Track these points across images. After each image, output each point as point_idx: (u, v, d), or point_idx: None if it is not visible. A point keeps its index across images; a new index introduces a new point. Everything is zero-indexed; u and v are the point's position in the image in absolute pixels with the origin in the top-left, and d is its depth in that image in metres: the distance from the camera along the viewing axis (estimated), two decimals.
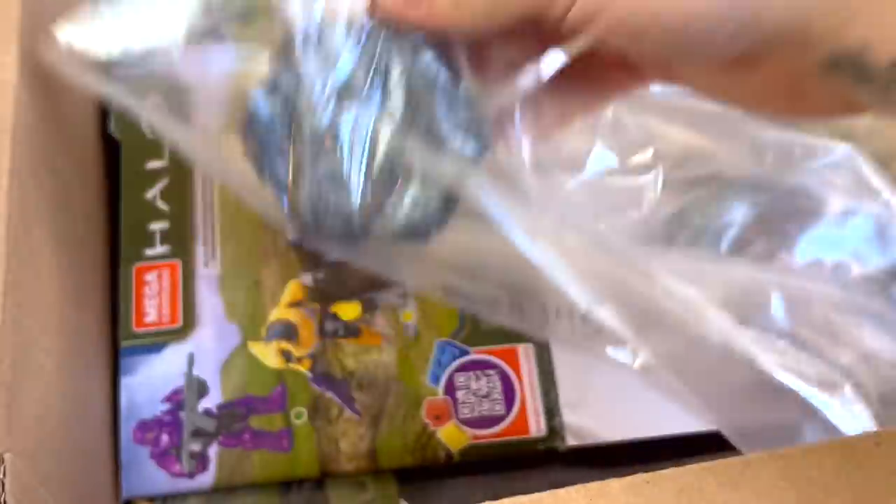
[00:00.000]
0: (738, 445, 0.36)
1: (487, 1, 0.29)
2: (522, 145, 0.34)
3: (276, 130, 0.32)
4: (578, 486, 0.27)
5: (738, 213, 0.48)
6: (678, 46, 0.27)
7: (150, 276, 0.46)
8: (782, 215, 0.47)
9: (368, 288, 0.47)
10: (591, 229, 0.40)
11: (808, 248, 0.46)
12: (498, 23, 0.29)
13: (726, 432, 0.36)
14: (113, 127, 0.49)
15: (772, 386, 0.38)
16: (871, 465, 0.27)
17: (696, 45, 0.27)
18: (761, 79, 0.29)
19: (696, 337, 0.37)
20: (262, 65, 0.35)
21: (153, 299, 0.46)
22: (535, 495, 0.27)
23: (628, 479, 0.27)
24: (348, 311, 0.46)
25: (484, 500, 0.26)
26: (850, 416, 0.39)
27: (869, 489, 0.27)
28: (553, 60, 0.31)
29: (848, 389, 0.40)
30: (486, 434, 0.44)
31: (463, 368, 0.45)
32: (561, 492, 0.27)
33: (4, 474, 0.30)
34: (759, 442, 0.35)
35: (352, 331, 0.46)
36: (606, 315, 0.36)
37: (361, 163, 0.30)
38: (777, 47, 0.27)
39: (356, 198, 0.31)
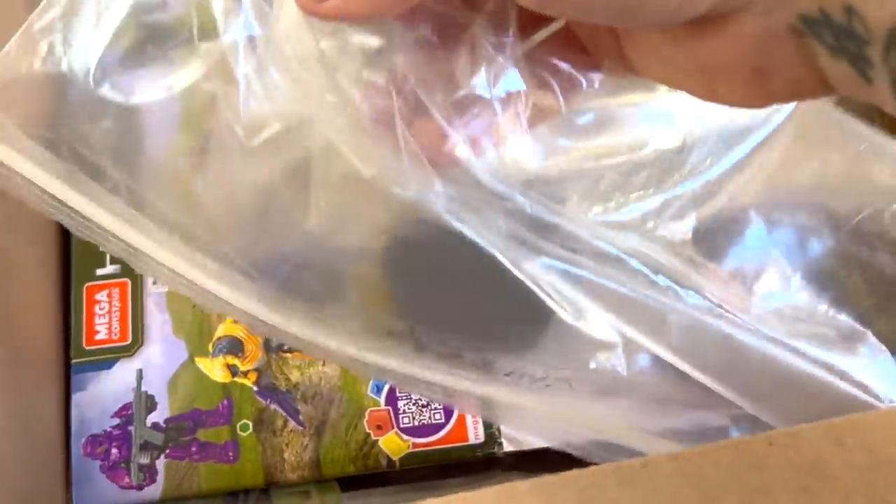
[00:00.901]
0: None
1: None
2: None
3: None
4: (486, 489, 0.29)
5: None
6: (626, 10, 0.25)
7: (101, 295, 0.48)
8: None
9: None
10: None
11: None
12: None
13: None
14: None
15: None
16: (763, 464, 0.29)
17: (645, 7, 0.24)
18: (721, 51, 0.26)
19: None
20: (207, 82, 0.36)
21: (104, 317, 0.47)
22: (447, 497, 0.28)
23: (535, 480, 0.29)
24: None
25: None
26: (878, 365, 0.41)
27: (761, 486, 0.28)
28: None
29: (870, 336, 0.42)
30: (426, 442, 0.45)
31: None
32: (470, 494, 0.29)
33: None
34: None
35: None
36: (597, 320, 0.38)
37: None
38: (740, 4, 0.24)
39: None
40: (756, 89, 0.27)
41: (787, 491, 0.28)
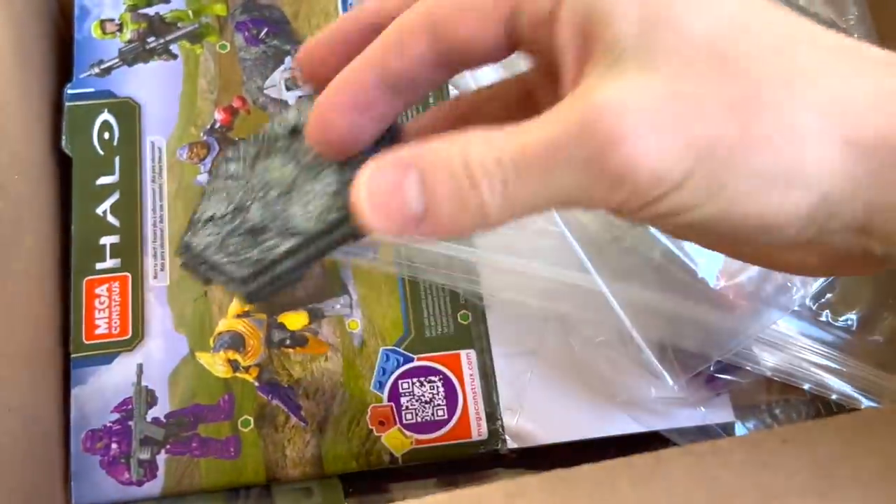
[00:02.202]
0: None
1: (503, 210, 0.23)
2: None
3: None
4: (497, 483, 0.28)
5: None
6: (746, 244, 0.25)
7: (101, 290, 0.47)
8: None
9: (315, 298, 0.48)
10: None
11: None
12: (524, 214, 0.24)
13: None
14: (65, 143, 0.50)
15: None
16: (776, 463, 0.29)
17: (762, 240, 0.24)
18: (802, 256, 0.26)
19: None
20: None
21: (103, 312, 0.47)
22: (455, 492, 0.28)
23: (545, 475, 0.29)
24: (295, 320, 0.47)
25: None
26: None
27: (774, 487, 0.28)
28: None
29: None
30: (429, 438, 0.45)
31: (407, 375, 0.46)
32: (480, 489, 0.28)
33: None
34: None
35: (298, 340, 0.47)
36: None
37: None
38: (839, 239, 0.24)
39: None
40: (820, 272, 0.27)
41: (802, 495, 0.27)
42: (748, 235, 0.23)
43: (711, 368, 0.45)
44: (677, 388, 0.44)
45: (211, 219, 0.30)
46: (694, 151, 0.21)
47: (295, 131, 0.30)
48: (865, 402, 0.46)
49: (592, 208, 0.23)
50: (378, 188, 0.24)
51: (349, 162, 0.28)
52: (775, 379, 0.45)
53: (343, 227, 0.28)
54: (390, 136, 0.29)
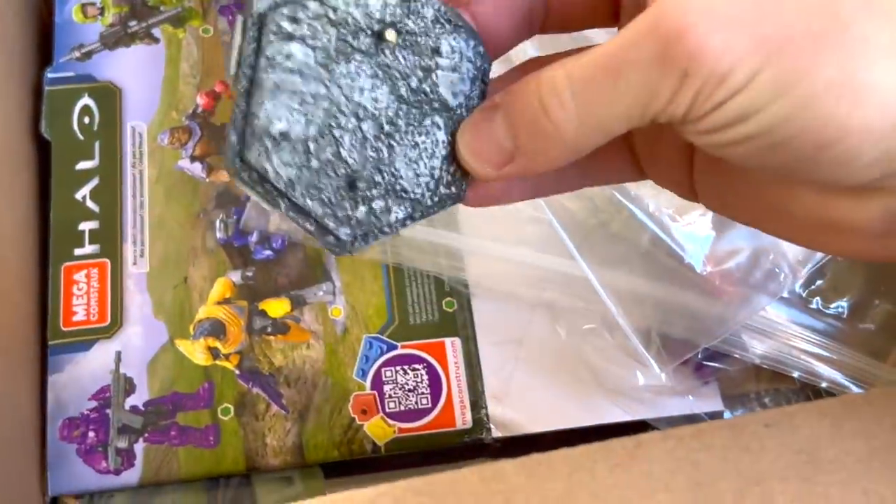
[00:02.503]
0: None
1: (579, 130, 0.23)
2: None
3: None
4: (473, 468, 0.28)
5: None
6: (811, 164, 0.22)
7: (79, 276, 0.46)
8: None
9: (298, 285, 0.47)
10: None
11: None
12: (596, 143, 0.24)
13: None
14: (44, 128, 0.49)
15: None
16: (758, 446, 0.28)
17: (831, 166, 0.22)
18: (859, 214, 0.24)
19: None
20: None
21: (82, 298, 0.46)
22: (430, 476, 0.27)
23: (522, 459, 0.28)
24: (277, 308, 0.46)
25: None
26: None
27: (755, 470, 0.27)
28: None
29: None
30: (412, 427, 0.44)
31: (390, 363, 0.46)
32: (456, 473, 0.28)
33: None
34: None
35: (280, 328, 0.46)
36: None
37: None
38: None
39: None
40: (877, 251, 0.25)
41: (784, 479, 0.27)
42: (814, 156, 0.22)
43: (699, 356, 0.44)
44: (665, 377, 0.43)
45: (286, 137, 0.23)
46: (763, 50, 0.21)
47: (382, 34, 0.24)
48: (856, 391, 0.45)
49: (664, 118, 0.22)
50: (473, 135, 0.25)
51: (453, 108, 0.26)
52: (764, 367, 0.45)
53: (452, 196, 0.26)
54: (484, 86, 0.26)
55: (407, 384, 0.45)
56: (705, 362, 0.45)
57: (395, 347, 0.46)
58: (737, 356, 0.44)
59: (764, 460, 0.28)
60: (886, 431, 0.28)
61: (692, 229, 0.42)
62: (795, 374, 0.44)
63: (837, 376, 0.45)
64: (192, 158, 0.49)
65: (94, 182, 0.48)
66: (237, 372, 0.45)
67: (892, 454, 0.28)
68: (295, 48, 0.23)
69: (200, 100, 0.51)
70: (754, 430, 0.28)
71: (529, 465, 0.28)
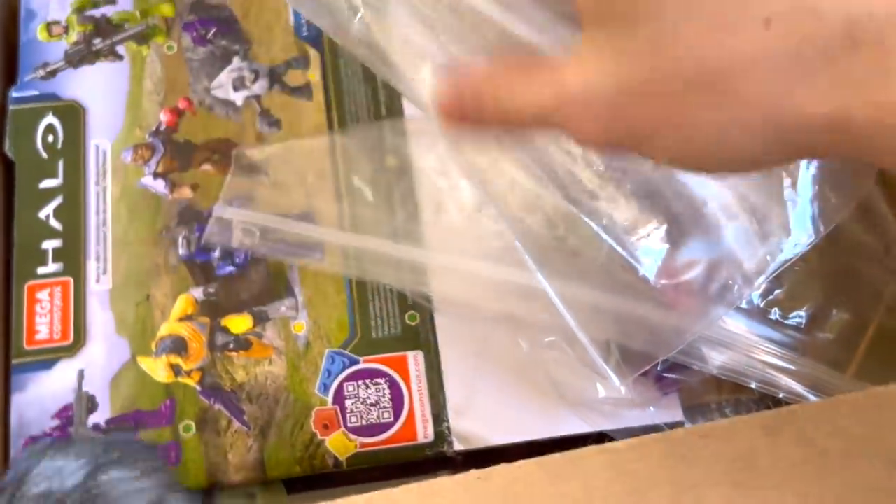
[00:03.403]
0: None
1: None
2: None
3: None
4: (412, 485, 0.28)
5: None
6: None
7: (42, 294, 0.47)
8: None
9: (260, 300, 0.47)
10: None
11: None
12: None
13: None
14: (8, 147, 0.49)
15: None
16: (693, 456, 0.28)
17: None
18: None
19: None
20: None
21: (45, 317, 0.46)
22: (368, 495, 0.28)
23: (461, 475, 0.28)
24: (239, 324, 0.47)
25: None
26: None
27: (689, 478, 0.28)
28: None
29: None
30: (374, 441, 0.44)
31: (352, 377, 0.46)
32: (395, 490, 0.28)
33: None
34: None
35: (242, 344, 0.46)
36: None
37: None
38: None
39: None
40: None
41: (717, 485, 0.27)
42: None
43: (659, 368, 0.44)
44: (624, 389, 0.43)
45: None
46: None
47: None
48: (815, 401, 0.45)
49: None
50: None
51: None
52: (724, 378, 0.45)
53: None
54: None
55: (369, 398, 0.45)
56: (665, 374, 0.45)
57: (357, 362, 0.46)
58: (696, 367, 0.44)
59: (699, 468, 0.28)
60: (823, 437, 0.28)
61: (647, 242, 0.42)
62: (753, 385, 0.44)
63: (796, 386, 0.45)
64: (156, 175, 0.49)
65: (58, 200, 0.49)
66: (199, 388, 0.45)
67: (829, 459, 0.28)
68: None
69: (164, 116, 0.51)
70: (691, 441, 0.29)
71: (468, 481, 0.28)
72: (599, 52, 0.26)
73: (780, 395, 0.45)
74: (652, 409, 0.45)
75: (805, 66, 0.23)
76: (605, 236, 0.43)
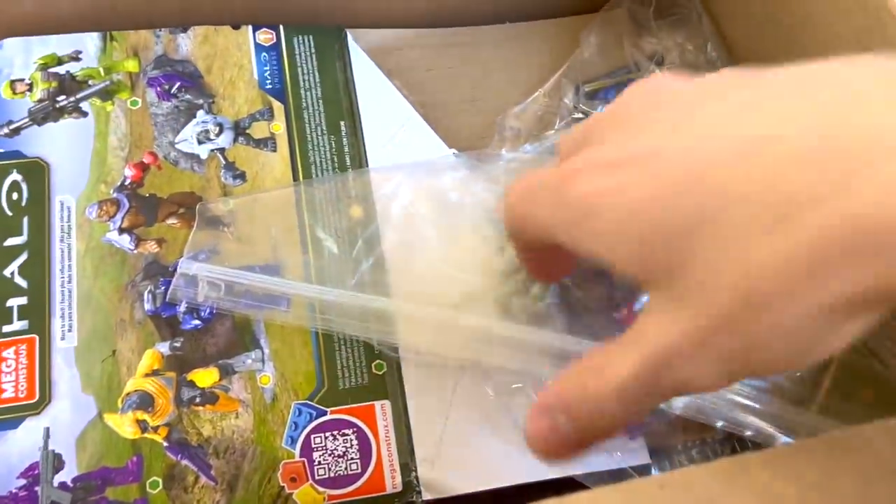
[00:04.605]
0: None
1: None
2: None
3: None
4: None
5: None
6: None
7: (8, 353, 0.47)
8: None
9: (226, 353, 0.47)
10: None
11: None
12: None
13: None
14: None
15: None
16: None
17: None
18: None
19: None
20: None
21: (10, 375, 0.46)
22: None
23: None
24: (205, 378, 0.47)
25: None
26: None
27: None
28: None
29: None
30: (342, 493, 0.44)
31: (320, 429, 0.46)
32: None
33: None
34: None
35: (209, 398, 0.46)
36: None
37: None
38: None
39: None
40: None
41: None
42: None
43: None
44: None
45: None
46: None
47: None
48: (782, 439, 0.45)
49: None
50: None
51: None
52: (689, 418, 0.45)
53: None
54: None
55: (336, 450, 0.45)
56: None
57: (324, 413, 0.46)
58: (661, 408, 0.45)
59: None
60: (779, 483, 0.29)
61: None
62: (719, 424, 0.45)
63: (762, 424, 0.45)
64: (121, 230, 0.50)
65: (23, 258, 0.49)
66: (166, 444, 0.45)
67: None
68: None
69: (129, 171, 0.51)
70: (650, 491, 0.29)
71: None
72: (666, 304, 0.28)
73: (746, 434, 0.45)
74: (618, 453, 0.46)
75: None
76: (567, 281, 0.44)
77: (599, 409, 0.30)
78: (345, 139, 0.53)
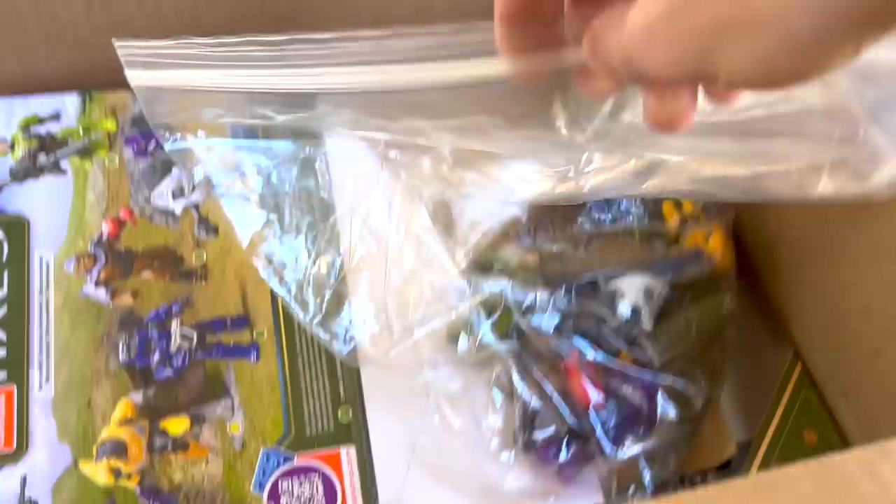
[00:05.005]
0: None
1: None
2: None
3: None
4: None
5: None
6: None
7: None
8: None
9: (197, 402, 0.49)
10: None
11: None
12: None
13: None
14: None
15: None
16: None
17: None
18: None
19: None
20: None
21: None
22: None
23: None
24: (177, 426, 0.49)
25: None
26: None
27: None
28: None
29: None
30: None
31: (287, 474, 0.48)
32: None
33: None
34: None
35: (180, 445, 0.48)
36: None
37: None
38: None
39: None
40: None
41: None
42: None
43: (560, 458, 0.47)
44: (530, 479, 0.46)
45: None
46: None
47: None
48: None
49: None
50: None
51: None
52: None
53: None
54: None
55: (303, 495, 0.47)
56: (565, 464, 0.47)
57: (291, 459, 0.48)
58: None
59: None
60: None
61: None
62: None
63: None
64: (97, 284, 0.52)
65: (3, 311, 0.51)
66: (138, 491, 0.47)
67: None
68: None
69: (106, 227, 0.53)
70: None
71: None
72: None
73: None
74: (552, 498, 0.48)
75: None
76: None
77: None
78: (320, 190, 0.55)
